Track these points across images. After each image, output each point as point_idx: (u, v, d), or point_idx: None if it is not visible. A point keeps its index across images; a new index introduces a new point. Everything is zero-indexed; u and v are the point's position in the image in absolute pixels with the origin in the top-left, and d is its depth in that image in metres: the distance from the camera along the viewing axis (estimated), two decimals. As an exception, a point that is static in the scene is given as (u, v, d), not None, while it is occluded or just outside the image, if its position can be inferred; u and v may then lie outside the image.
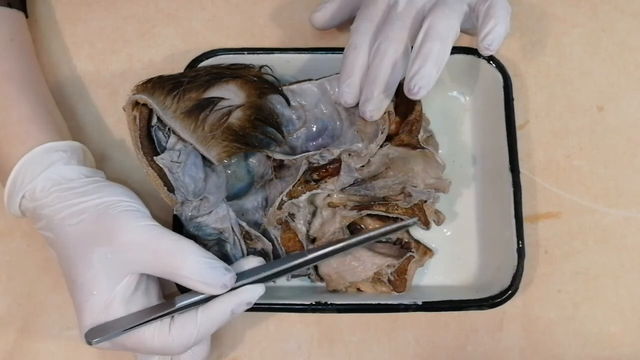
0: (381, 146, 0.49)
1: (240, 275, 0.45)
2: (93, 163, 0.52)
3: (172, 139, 0.48)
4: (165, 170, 0.47)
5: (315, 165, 0.51)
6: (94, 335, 0.43)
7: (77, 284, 0.44)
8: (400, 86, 0.47)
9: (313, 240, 0.52)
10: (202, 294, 0.44)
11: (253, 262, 0.47)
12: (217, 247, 0.50)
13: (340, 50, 0.50)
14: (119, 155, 0.56)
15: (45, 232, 0.46)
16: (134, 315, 0.44)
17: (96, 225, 0.44)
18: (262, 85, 0.50)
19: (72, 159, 0.49)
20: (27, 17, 0.57)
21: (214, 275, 0.43)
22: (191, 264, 0.43)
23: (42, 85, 0.53)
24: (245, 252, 0.50)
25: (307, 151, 0.51)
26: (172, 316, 0.44)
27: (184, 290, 0.46)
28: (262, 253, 0.51)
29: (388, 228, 0.50)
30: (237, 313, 0.45)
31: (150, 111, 0.47)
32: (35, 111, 0.50)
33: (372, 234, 0.50)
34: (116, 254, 0.44)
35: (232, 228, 0.49)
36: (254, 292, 0.45)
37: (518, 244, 0.49)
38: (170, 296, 0.46)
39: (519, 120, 0.54)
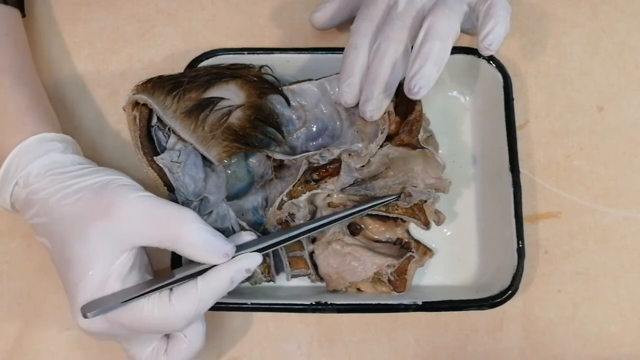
0: (381, 146, 0.49)
1: (238, 248, 0.45)
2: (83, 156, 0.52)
3: (172, 139, 0.48)
4: (165, 170, 0.47)
5: (315, 165, 0.51)
6: (90, 308, 0.42)
7: (73, 262, 0.43)
8: (401, 86, 0.47)
9: (313, 240, 0.52)
10: (201, 265, 0.43)
11: (248, 236, 0.47)
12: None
13: (340, 50, 0.50)
14: (119, 155, 0.56)
15: (38, 218, 0.46)
16: (130, 289, 0.43)
17: (94, 201, 0.44)
18: (262, 85, 0.50)
19: (66, 150, 0.49)
20: (24, 16, 0.57)
21: (216, 243, 0.43)
22: (193, 233, 0.42)
23: (36, 81, 0.53)
24: None
25: (307, 151, 0.51)
26: (171, 288, 0.43)
27: (175, 267, 0.45)
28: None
29: (382, 201, 0.50)
30: (237, 281, 0.44)
31: (150, 111, 0.47)
32: (30, 103, 0.50)
33: (371, 204, 0.50)
34: (115, 227, 0.43)
35: (232, 228, 0.49)
36: (252, 259, 0.45)
37: (518, 244, 0.49)
38: (160, 272, 0.46)
39: (519, 120, 0.54)
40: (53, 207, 0.45)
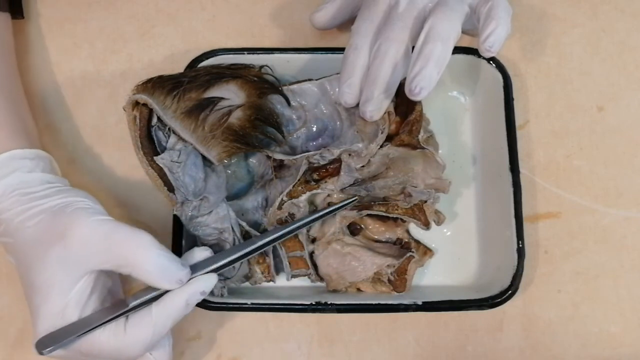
0: (381, 146, 0.49)
1: (192, 268, 0.44)
2: (58, 172, 0.51)
3: (172, 139, 0.48)
4: (166, 170, 0.47)
5: (315, 165, 0.51)
6: (45, 344, 0.42)
7: (34, 287, 0.43)
8: (401, 86, 0.47)
9: (313, 240, 0.52)
10: (156, 290, 0.43)
11: (203, 253, 0.46)
12: (217, 246, 0.50)
13: (340, 50, 0.50)
14: (119, 155, 0.56)
15: (4, 238, 0.46)
16: (87, 318, 0.43)
17: (52, 225, 0.44)
18: (262, 85, 0.50)
19: (36, 167, 0.48)
20: (22, 17, 0.57)
21: (170, 269, 0.42)
22: (148, 258, 0.42)
23: (16, 90, 0.53)
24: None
25: (307, 151, 0.51)
26: (127, 316, 0.43)
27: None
28: (262, 253, 0.51)
29: (336, 207, 0.50)
30: (192, 304, 0.44)
31: (151, 111, 0.47)
32: (4, 117, 0.49)
33: (333, 207, 0.50)
34: (70, 251, 0.43)
35: (232, 228, 0.49)
36: (207, 282, 0.44)
37: (518, 244, 0.49)
38: (132, 291, 0.46)
39: (519, 120, 0.54)
40: (17, 228, 0.45)
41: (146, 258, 0.42)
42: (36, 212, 0.45)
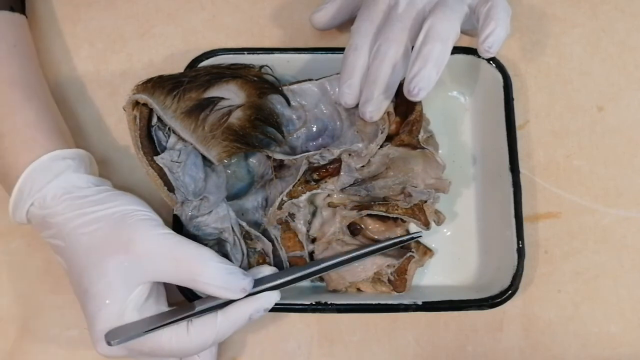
0: (381, 146, 0.49)
1: (256, 282, 0.46)
2: (97, 171, 0.52)
3: (172, 139, 0.48)
4: (165, 170, 0.47)
5: (315, 165, 0.51)
6: (113, 336, 0.43)
7: (90, 293, 0.44)
8: (401, 87, 0.47)
9: (313, 240, 0.52)
10: (221, 299, 0.45)
11: (267, 270, 0.48)
12: (217, 247, 0.50)
13: (340, 50, 0.50)
14: (119, 155, 0.56)
15: (55, 240, 0.46)
16: (152, 317, 0.44)
17: (113, 234, 0.44)
18: (263, 85, 0.50)
19: (80, 167, 0.49)
20: (25, 16, 0.56)
21: (233, 280, 0.44)
22: (211, 270, 0.43)
23: (45, 91, 0.53)
24: (245, 252, 0.50)
25: (307, 151, 0.51)
26: (190, 319, 0.44)
27: (192, 298, 0.47)
28: (262, 253, 0.51)
29: (396, 240, 0.51)
30: (255, 318, 0.45)
31: (151, 111, 0.47)
32: (40, 118, 0.49)
33: (383, 244, 0.50)
34: (134, 262, 0.44)
35: (232, 228, 0.49)
36: (270, 298, 0.46)
37: (518, 244, 0.49)
38: (175, 304, 0.47)
39: (519, 120, 0.54)
40: (70, 234, 0.45)
41: (209, 272, 0.43)
42: (92, 219, 0.45)
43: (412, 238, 0.51)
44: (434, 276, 0.53)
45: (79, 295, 0.45)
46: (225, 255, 0.50)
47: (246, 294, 0.45)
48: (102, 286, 0.44)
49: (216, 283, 0.43)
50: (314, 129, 0.53)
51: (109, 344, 0.43)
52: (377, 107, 0.47)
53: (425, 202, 0.50)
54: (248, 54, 0.54)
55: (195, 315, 0.44)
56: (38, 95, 0.51)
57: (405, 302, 0.48)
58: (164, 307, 0.46)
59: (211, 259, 0.44)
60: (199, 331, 0.44)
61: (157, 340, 0.44)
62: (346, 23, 0.55)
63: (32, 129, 0.48)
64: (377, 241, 0.53)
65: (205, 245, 0.50)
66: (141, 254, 0.44)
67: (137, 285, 0.44)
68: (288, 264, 0.51)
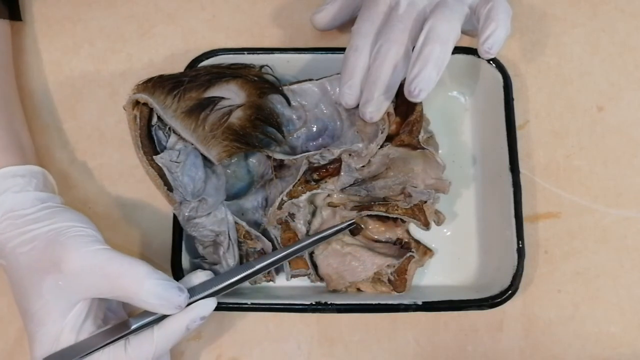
0: (381, 146, 0.49)
1: (191, 291, 0.45)
2: (54, 187, 0.51)
3: (173, 139, 0.48)
4: (165, 169, 0.47)
5: (315, 165, 0.51)
6: None
7: (29, 314, 0.44)
8: (401, 87, 0.47)
9: (313, 241, 0.52)
10: (156, 314, 0.44)
11: (202, 276, 0.47)
12: (212, 248, 0.50)
13: (340, 50, 0.50)
14: (119, 155, 0.56)
15: None
16: (87, 340, 0.43)
17: (46, 252, 0.44)
18: (263, 85, 0.50)
19: (28, 185, 0.48)
20: (20, 19, 0.56)
21: (168, 296, 0.43)
22: (146, 287, 0.42)
23: (12, 102, 0.52)
24: (237, 258, 0.50)
25: (308, 151, 0.51)
26: (127, 338, 0.44)
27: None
28: (262, 253, 0.51)
29: (336, 229, 0.50)
30: (192, 329, 0.45)
31: (151, 110, 0.47)
32: None
33: (321, 235, 0.50)
34: (67, 281, 0.43)
35: (229, 233, 0.49)
36: (206, 307, 0.45)
37: (518, 244, 0.49)
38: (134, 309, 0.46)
39: (519, 120, 0.54)
40: (9, 254, 0.45)
41: (143, 289, 0.42)
42: (29, 238, 0.44)
43: (350, 226, 0.50)
44: (434, 276, 0.53)
45: (21, 315, 0.45)
46: (217, 259, 0.50)
47: (181, 309, 0.44)
48: (39, 307, 0.43)
49: (151, 301, 0.42)
50: (314, 129, 0.53)
51: None
52: (378, 107, 0.47)
53: (425, 202, 0.50)
54: (248, 54, 0.54)
55: (132, 334, 0.44)
56: (1, 107, 0.51)
57: (405, 302, 0.48)
58: (106, 323, 0.46)
59: (146, 275, 0.43)
60: (137, 349, 0.43)
61: None
62: (347, 23, 0.55)
63: None
64: (377, 241, 0.53)
65: (201, 246, 0.50)
66: (73, 272, 0.43)
67: (74, 304, 0.43)
68: (288, 264, 0.51)
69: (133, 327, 0.44)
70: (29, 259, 0.44)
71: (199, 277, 0.47)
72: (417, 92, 0.45)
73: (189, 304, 0.45)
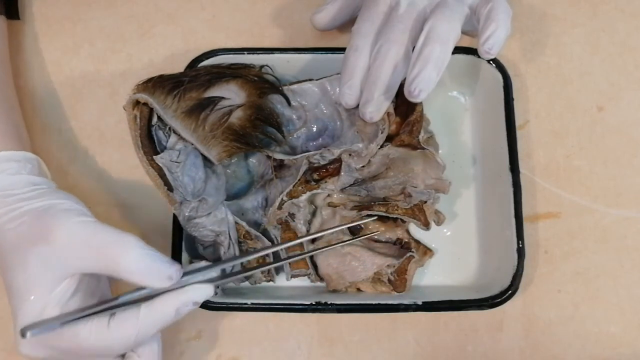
0: (382, 146, 0.49)
1: (187, 275, 0.43)
2: (47, 175, 0.50)
3: (173, 139, 0.48)
4: (165, 169, 0.47)
5: (315, 165, 0.51)
6: (28, 329, 0.41)
7: (13, 288, 0.43)
8: (401, 87, 0.47)
9: (313, 241, 0.52)
10: (148, 291, 0.42)
11: (203, 263, 0.46)
12: (212, 248, 0.50)
13: (340, 50, 0.50)
14: (119, 155, 0.56)
15: None
16: (71, 312, 0.42)
17: (34, 226, 0.43)
18: (263, 85, 0.50)
19: (23, 169, 0.48)
20: (18, 18, 0.56)
21: (157, 267, 0.41)
22: (133, 256, 0.41)
23: (9, 97, 0.52)
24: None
25: (308, 151, 0.51)
26: (113, 313, 0.42)
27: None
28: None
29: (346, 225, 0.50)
30: (182, 313, 0.42)
31: (151, 110, 0.47)
32: None
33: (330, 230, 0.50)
34: (53, 252, 0.42)
35: (229, 233, 0.49)
36: (201, 292, 0.43)
37: (518, 244, 0.49)
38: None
39: (519, 120, 0.54)
40: None
41: (131, 258, 0.41)
42: (18, 214, 0.44)
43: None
44: (434, 276, 0.53)
45: (7, 293, 0.44)
46: (217, 258, 0.50)
47: (173, 282, 0.41)
48: (24, 280, 0.42)
49: (138, 269, 0.41)
50: (314, 129, 0.53)
51: (23, 335, 0.40)
52: (378, 107, 0.47)
53: (425, 202, 0.50)
54: (248, 54, 0.54)
55: (118, 308, 0.41)
56: None
57: (405, 302, 0.48)
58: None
59: (134, 245, 0.41)
60: (120, 324, 0.41)
61: (76, 335, 0.41)
62: (347, 23, 0.55)
63: None
64: (377, 241, 0.53)
65: (201, 246, 0.50)
66: (61, 243, 0.42)
67: (61, 279, 0.42)
68: (288, 263, 0.51)
69: (120, 300, 0.42)
70: (16, 235, 0.43)
71: (195, 265, 0.46)
72: (417, 92, 0.45)
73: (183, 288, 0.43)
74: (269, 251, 0.48)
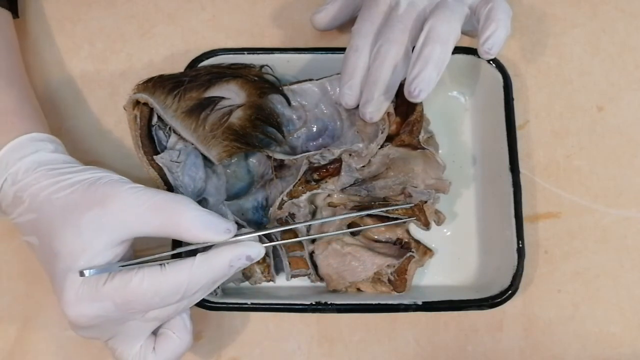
0: (382, 146, 0.49)
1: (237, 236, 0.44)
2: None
3: (173, 139, 0.48)
4: (165, 169, 0.47)
5: (315, 165, 0.51)
6: (87, 268, 0.41)
7: (62, 254, 0.42)
8: (401, 87, 0.47)
9: (313, 241, 0.52)
10: (204, 245, 0.43)
11: (246, 229, 0.46)
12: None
13: (340, 50, 0.50)
14: (119, 155, 0.56)
15: (26, 215, 0.45)
16: (127, 263, 0.43)
17: (87, 193, 0.43)
18: (263, 85, 0.50)
19: (57, 149, 0.48)
20: (17, 17, 0.57)
21: (216, 221, 0.42)
22: (192, 213, 0.42)
23: (25, 82, 0.53)
24: None
25: (308, 151, 0.51)
26: (167, 262, 0.43)
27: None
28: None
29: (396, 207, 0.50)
30: (236, 266, 0.43)
31: (151, 110, 0.47)
32: (18, 104, 0.49)
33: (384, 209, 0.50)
34: (111, 216, 0.42)
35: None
36: (254, 248, 0.43)
37: (518, 244, 0.49)
38: None
39: (519, 120, 0.54)
40: (43, 202, 0.44)
41: (189, 215, 0.42)
42: (67, 185, 0.44)
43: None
44: (434, 276, 0.53)
45: (48, 263, 0.44)
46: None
47: (231, 234, 0.43)
48: (76, 244, 0.42)
49: (199, 224, 0.42)
50: (314, 129, 0.53)
51: (81, 274, 0.41)
52: (378, 107, 0.48)
53: (426, 202, 0.50)
54: (248, 54, 0.54)
55: (173, 259, 0.43)
56: (17, 83, 0.51)
57: (405, 302, 0.48)
58: None
59: (189, 203, 0.42)
60: (174, 270, 0.42)
61: (129, 280, 0.41)
62: (347, 23, 0.55)
63: (10, 114, 0.48)
64: (377, 241, 0.53)
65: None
66: (117, 207, 0.42)
67: (114, 244, 0.42)
68: (288, 264, 0.51)
69: (177, 250, 0.43)
70: (67, 202, 0.43)
71: (244, 230, 0.46)
72: (417, 92, 0.45)
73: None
74: (306, 224, 0.49)
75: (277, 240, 0.51)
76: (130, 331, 0.45)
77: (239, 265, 0.43)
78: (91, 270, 0.41)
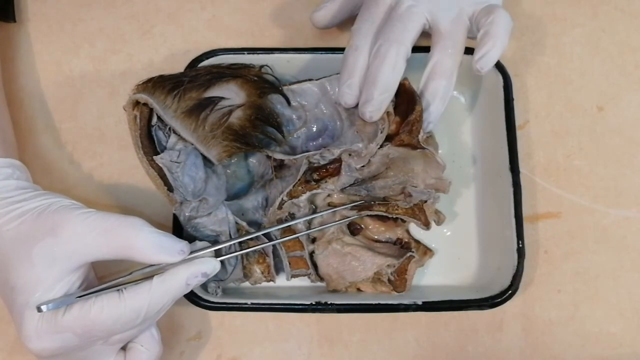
0: (381, 146, 0.49)
1: (192, 253, 0.44)
2: (31, 182, 0.50)
3: (173, 139, 0.48)
4: (165, 170, 0.47)
5: (315, 165, 0.51)
6: (44, 303, 0.41)
7: (18, 287, 0.42)
8: (401, 86, 0.47)
9: (313, 240, 0.52)
10: (159, 267, 0.43)
11: (202, 243, 0.47)
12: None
13: (340, 50, 0.50)
14: (119, 155, 0.56)
15: None
16: (82, 291, 0.42)
17: (37, 223, 0.43)
18: (263, 84, 0.50)
19: (11, 175, 0.47)
20: (14, 21, 0.56)
21: (168, 243, 0.42)
22: (144, 236, 0.42)
23: None
24: (238, 258, 0.50)
25: (308, 151, 0.51)
26: (124, 287, 0.42)
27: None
28: (262, 253, 0.51)
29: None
30: (192, 284, 0.43)
31: (151, 110, 0.47)
32: None
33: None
34: (62, 246, 0.42)
35: (230, 232, 0.49)
36: (209, 264, 0.44)
37: (518, 244, 0.49)
38: None
39: (519, 120, 0.54)
40: None
41: (142, 237, 0.42)
42: (16, 215, 0.44)
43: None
44: (434, 276, 0.53)
45: (6, 297, 0.43)
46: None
47: (185, 255, 0.43)
48: (30, 277, 0.42)
49: (151, 247, 0.42)
50: (314, 128, 0.53)
51: (39, 310, 0.41)
52: (377, 107, 0.48)
53: (425, 202, 0.50)
54: (248, 54, 0.54)
55: (130, 283, 0.42)
56: None
57: (405, 302, 0.48)
58: None
59: (142, 225, 0.42)
60: (132, 296, 0.42)
61: (88, 311, 0.41)
62: (346, 23, 0.55)
63: None
64: (377, 241, 0.53)
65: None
66: (68, 235, 0.42)
67: (68, 272, 0.42)
68: (288, 264, 0.51)
69: (133, 273, 0.43)
70: (16, 234, 0.43)
71: (198, 245, 0.46)
72: (426, 124, 0.48)
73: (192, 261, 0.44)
74: (262, 233, 0.49)
75: (277, 239, 0.51)
76: (97, 354, 0.45)
77: (196, 283, 0.44)
78: (48, 305, 0.41)
